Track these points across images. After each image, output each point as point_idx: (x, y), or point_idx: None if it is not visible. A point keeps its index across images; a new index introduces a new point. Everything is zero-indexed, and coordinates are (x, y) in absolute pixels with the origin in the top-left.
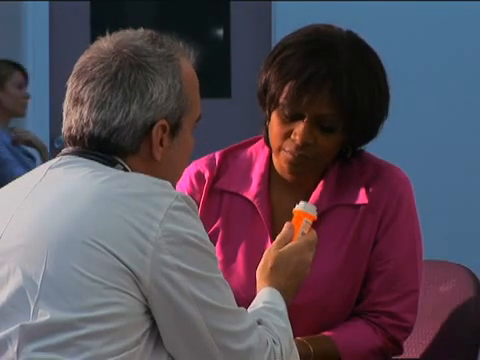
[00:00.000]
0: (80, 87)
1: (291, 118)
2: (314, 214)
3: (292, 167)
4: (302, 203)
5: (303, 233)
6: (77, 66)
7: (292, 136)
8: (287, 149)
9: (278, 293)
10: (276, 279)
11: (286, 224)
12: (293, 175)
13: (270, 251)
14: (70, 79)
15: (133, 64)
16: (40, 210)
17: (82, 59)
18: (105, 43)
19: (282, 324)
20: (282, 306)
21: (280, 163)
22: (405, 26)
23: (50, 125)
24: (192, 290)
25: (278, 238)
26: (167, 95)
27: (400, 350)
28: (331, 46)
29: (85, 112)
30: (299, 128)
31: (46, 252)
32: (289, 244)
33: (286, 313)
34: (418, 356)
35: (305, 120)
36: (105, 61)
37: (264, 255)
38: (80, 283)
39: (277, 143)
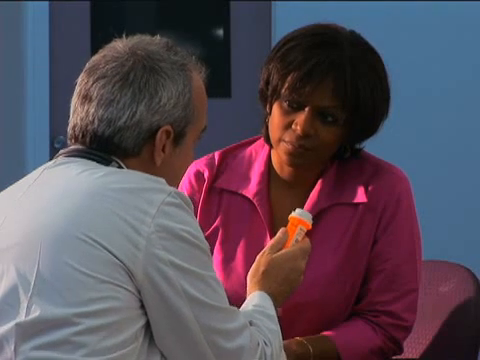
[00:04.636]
0: (90, 83)
1: (293, 109)
2: (309, 222)
3: (291, 158)
4: (298, 210)
5: (297, 240)
6: (89, 63)
7: (293, 126)
8: (287, 139)
9: (268, 297)
10: (267, 284)
11: (280, 229)
12: (292, 167)
13: (263, 255)
14: (81, 76)
15: (146, 66)
16: (34, 208)
17: (95, 57)
18: (120, 44)
19: (273, 326)
20: (272, 310)
21: (279, 155)
22: (405, 26)
23: (50, 125)
24: (184, 286)
25: (271, 243)
26: (175, 102)
27: (400, 350)
28: (335, 39)
29: (92, 110)
30: (300, 118)
31: (39, 248)
32: (283, 250)
33: (276, 317)
34: (418, 356)
35: (307, 110)
36: (118, 60)
37: (257, 259)
38: (74, 278)
39: (277, 134)
